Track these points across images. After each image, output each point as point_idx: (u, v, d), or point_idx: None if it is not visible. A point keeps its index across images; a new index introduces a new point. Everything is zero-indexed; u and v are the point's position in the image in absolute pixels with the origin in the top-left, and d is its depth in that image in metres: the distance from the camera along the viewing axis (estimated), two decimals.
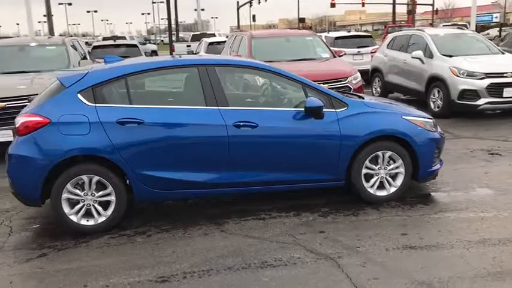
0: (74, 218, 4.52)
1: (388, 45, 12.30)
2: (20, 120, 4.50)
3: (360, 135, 4.91)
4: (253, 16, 67.60)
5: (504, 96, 9.27)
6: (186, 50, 24.49)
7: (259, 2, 59.69)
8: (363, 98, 5.50)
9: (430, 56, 10.30)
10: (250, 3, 63.14)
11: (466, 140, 7.92)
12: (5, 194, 5.83)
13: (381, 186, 5.10)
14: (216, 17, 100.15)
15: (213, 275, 3.72)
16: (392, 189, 5.11)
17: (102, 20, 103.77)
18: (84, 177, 4.47)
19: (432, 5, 59.35)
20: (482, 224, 4.52)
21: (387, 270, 3.70)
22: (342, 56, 10.87)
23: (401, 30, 13.39)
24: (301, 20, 48.86)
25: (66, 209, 4.49)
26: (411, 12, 43.14)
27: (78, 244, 4.37)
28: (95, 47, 14.09)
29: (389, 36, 12.54)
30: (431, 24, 49.52)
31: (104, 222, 4.57)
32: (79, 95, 4.54)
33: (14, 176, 4.48)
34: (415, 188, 5.46)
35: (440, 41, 10.54)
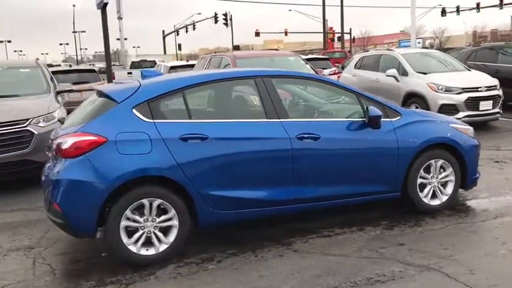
0: (133, 248, 4.01)
1: (355, 65, 12.62)
2: (68, 140, 3.96)
3: (416, 144, 4.85)
4: (179, 45, 67.60)
5: (480, 109, 9.77)
6: (127, 77, 23.56)
7: (187, 31, 59.73)
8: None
9: (404, 73, 10.66)
10: (177, 32, 63.10)
11: None
12: (14, 231, 5.14)
13: (433, 196, 5.05)
14: (139, 47, 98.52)
15: None
16: (444, 198, 5.07)
17: (15, 51, 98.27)
18: (145, 201, 4.01)
19: (350, 33, 62.81)
20: None
21: (500, 277, 3.59)
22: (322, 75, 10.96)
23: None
24: (236, 47, 49.52)
25: (124, 238, 3.98)
26: (340, 39, 45.25)
27: (143, 277, 3.87)
28: (53, 72, 13.15)
29: (356, 57, 12.88)
30: (350, 52, 51.89)
31: (165, 251, 4.10)
32: (134, 111, 4.10)
33: (66, 204, 3.90)
34: None
35: (412, 60, 10.95)
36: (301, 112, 4.95)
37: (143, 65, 27.38)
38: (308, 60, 15.73)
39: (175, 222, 4.10)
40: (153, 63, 27.37)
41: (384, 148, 4.76)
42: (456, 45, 48.39)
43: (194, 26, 57.72)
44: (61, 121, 4.74)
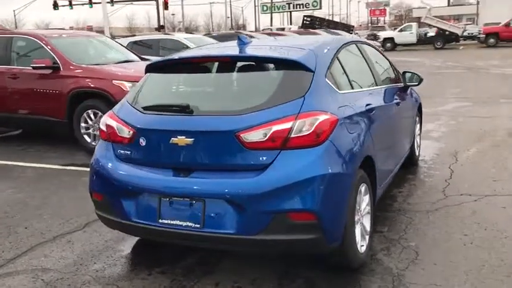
0: (359, 247, 3.28)
1: None
2: (304, 123, 2.84)
3: (418, 102, 5.59)
4: None
5: None
6: None
7: None
8: None
9: None
10: None
11: None
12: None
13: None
14: None
15: None
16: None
17: None
18: (361, 188, 3.31)
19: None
20: None
21: None
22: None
23: None
24: None
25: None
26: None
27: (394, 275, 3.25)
28: None
29: (124, 42, 11.95)
30: None
31: (369, 243, 3.50)
32: (327, 80, 3.27)
33: (323, 209, 2.81)
34: None
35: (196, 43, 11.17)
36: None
37: None
38: None
39: (368, 208, 3.54)
40: None
41: (413, 108, 5.30)
42: None
43: None
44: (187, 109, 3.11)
